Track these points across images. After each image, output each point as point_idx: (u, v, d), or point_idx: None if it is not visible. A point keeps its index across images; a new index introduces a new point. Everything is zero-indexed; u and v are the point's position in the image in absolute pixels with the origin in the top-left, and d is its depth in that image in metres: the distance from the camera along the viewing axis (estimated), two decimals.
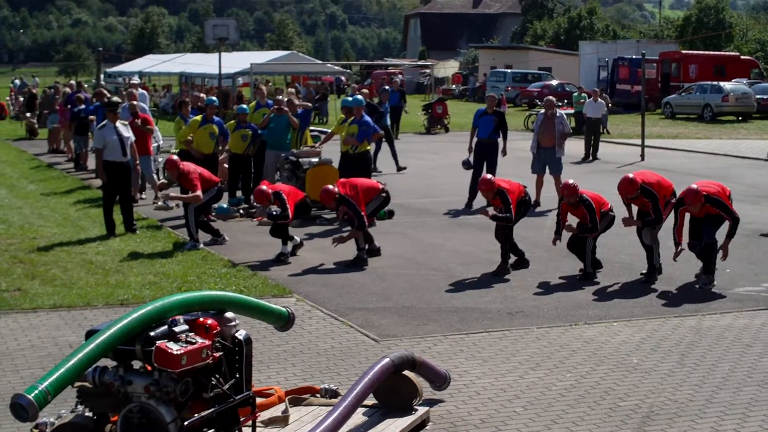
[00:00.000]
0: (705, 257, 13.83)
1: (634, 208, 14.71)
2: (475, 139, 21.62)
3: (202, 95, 26.79)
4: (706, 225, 13.78)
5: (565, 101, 45.00)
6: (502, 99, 43.07)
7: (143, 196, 22.33)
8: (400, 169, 27.53)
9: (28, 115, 43.01)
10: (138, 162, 18.80)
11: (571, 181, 14.50)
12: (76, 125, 27.57)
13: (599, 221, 14.28)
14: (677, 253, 13.85)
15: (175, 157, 17.21)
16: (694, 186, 13.61)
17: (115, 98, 20.33)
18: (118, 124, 17.84)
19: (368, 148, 19.77)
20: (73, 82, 38.23)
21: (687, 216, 13.81)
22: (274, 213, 15.57)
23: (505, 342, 11.11)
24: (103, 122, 18.04)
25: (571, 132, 23.13)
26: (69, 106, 29.38)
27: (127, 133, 17.91)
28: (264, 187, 15.79)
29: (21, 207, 21.08)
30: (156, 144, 23.03)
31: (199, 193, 16.29)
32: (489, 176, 15.25)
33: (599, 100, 33.87)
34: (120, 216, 17.88)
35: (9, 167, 29.10)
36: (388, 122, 29.32)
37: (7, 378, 9.75)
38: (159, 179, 21.26)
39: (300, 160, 20.43)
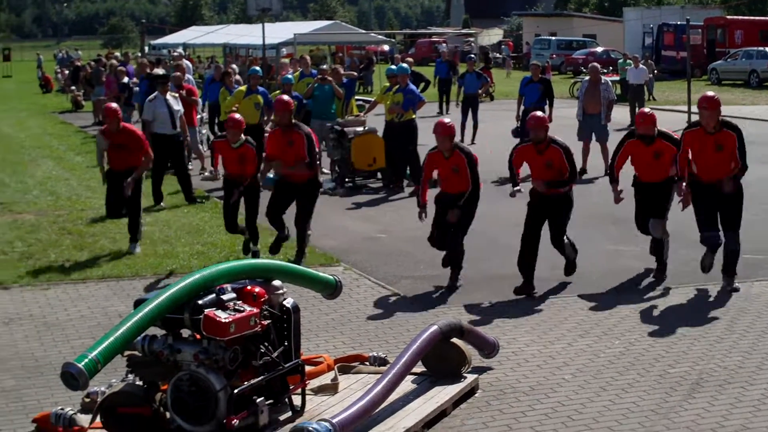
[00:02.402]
0: (727, 262, 12.05)
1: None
2: (522, 107, 21.55)
3: (234, 67, 26.78)
4: (724, 216, 11.89)
5: (611, 68, 44.58)
6: (547, 66, 42.59)
7: (190, 167, 22.29)
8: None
9: (73, 88, 43.24)
10: (188, 135, 18.69)
11: (647, 110, 12.75)
12: (126, 97, 27.69)
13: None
14: (679, 187, 12.05)
15: (237, 115, 14.67)
16: (710, 93, 11.91)
17: (160, 70, 20.20)
18: (168, 96, 17.84)
19: (413, 116, 19.68)
20: (117, 54, 38.28)
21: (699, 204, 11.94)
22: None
23: (553, 309, 11.08)
24: (153, 94, 18.05)
25: (616, 99, 22.93)
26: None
27: (177, 105, 17.86)
28: (237, 116, 14.11)
29: (68, 179, 21.22)
30: (200, 116, 22.99)
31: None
32: (446, 120, 12.64)
33: (641, 66, 33.49)
34: (169, 187, 17.88)
35: (56, 140, 29.29)
36: (477, 89, 28.02)
37: (57, 348, 9.85)
38: (205, 150, 21.28)
39: (345, 129, 20.39)
